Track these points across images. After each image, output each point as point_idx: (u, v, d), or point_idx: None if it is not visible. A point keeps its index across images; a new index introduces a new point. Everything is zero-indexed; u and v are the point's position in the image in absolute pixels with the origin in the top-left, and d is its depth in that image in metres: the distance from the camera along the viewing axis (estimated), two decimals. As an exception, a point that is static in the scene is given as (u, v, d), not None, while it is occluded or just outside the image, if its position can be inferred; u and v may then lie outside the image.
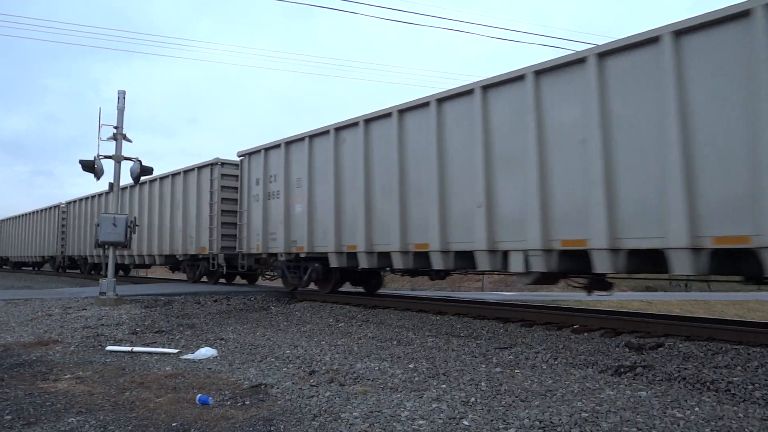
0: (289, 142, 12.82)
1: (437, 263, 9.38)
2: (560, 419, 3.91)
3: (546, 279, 8.44)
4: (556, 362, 6.06)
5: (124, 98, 11.84)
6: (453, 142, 9.24)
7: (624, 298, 21.28)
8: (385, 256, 10.58)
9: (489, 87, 8.70)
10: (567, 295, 24.22)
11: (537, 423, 3.86)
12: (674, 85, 6.64)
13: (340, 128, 11.52)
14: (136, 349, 7.06)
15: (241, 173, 14.58)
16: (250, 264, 14.53)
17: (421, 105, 9.75)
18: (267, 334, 8.32)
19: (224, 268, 15.58)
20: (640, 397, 4.51)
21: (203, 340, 7.86)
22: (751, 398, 4.51)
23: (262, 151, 13.66)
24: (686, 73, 6.61)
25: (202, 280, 17.22)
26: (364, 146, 10.90)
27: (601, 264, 7.24)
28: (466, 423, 3.93)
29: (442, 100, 9.43)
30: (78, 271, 27.37)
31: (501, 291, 23.83)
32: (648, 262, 7.23)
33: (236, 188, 15.10)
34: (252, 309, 11.44)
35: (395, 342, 7.51)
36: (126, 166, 11.94)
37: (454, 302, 11.13)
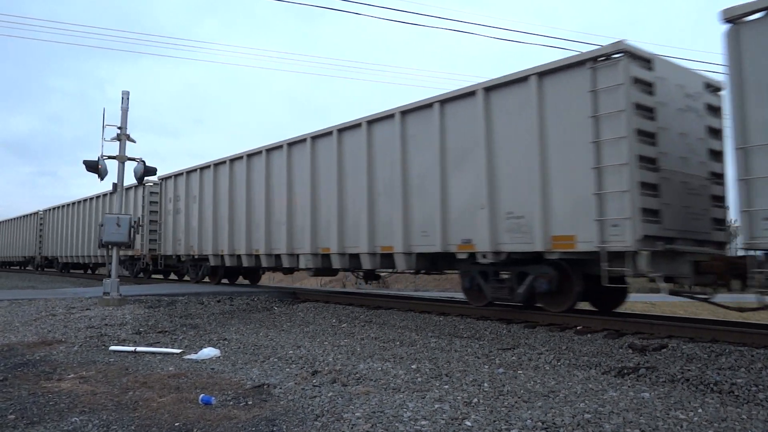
0: (189, 171, 17.19)
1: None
2: (563, 420, 3.91)
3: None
4: (559, 363, 6.05)
5: (128, 99, 11.87)
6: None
7: (628, 300, 21.19)
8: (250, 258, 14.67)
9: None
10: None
11: (539, 424, 3.86)
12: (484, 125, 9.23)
13: (218, 164, 16.00)
14: (139, 349, 7.07)
15: (160, 193, 18.97)
16: (168, 263, 18.84)
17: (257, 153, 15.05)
18: (270, 334, 8.33)
19: (151, 266, 19.86)
20: (643, 398, 4.50)
21: (206, 340, 7.87)
22: (754, 400, 4.49)
23: (173, 177, 18.08)
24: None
25: (139, 275, 21.79)
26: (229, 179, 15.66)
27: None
28: (468, 424, 3.92)
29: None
30: (53, 268, 31.51)
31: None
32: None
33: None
34: (255, 309, 11.46)
35: (398, 343, 7.50)
36: (130, 167, 11.99)
37: (457, 303, 11.12)
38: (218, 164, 16.03)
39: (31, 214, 33.56)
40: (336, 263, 12.07)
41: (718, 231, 8.36)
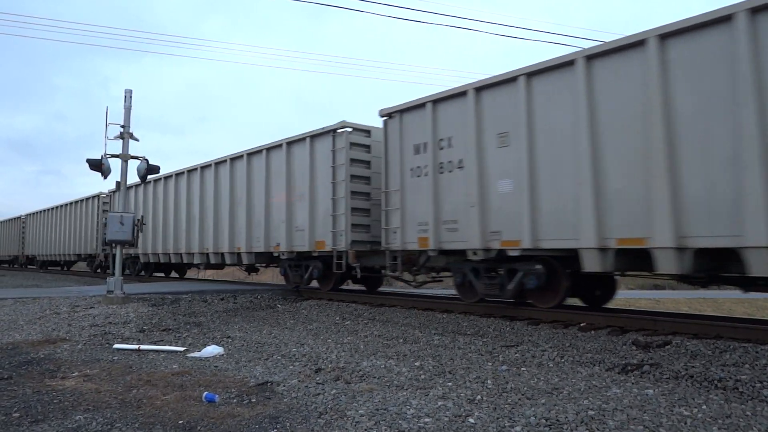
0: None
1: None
2: (566, 417, 3.90)
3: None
4: (562, 360, 6.04)
5: (131, 97, 11.88)
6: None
7: (631, 297, 21.21)
8: None
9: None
10: (574, 293, 24.12)
11: (543, 421, 3.85)
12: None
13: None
14: (143, 347, 7.09)
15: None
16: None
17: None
18: (273, 332, 8.34)
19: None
20: (647, 395, 4.49)
21: (210, 338, 7.88)
22: (759, 396, 4.48)
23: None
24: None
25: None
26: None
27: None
28: (472, 421, 3.92)
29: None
30: (35, 266, 34.85)
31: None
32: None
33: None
34: (258, 307, 11.47)
35: (401, 340, 7.51)
36: (133, 165, 12.01)
37: (460, 301, 11.10)
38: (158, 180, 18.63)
39: (13, 219, 38.45)
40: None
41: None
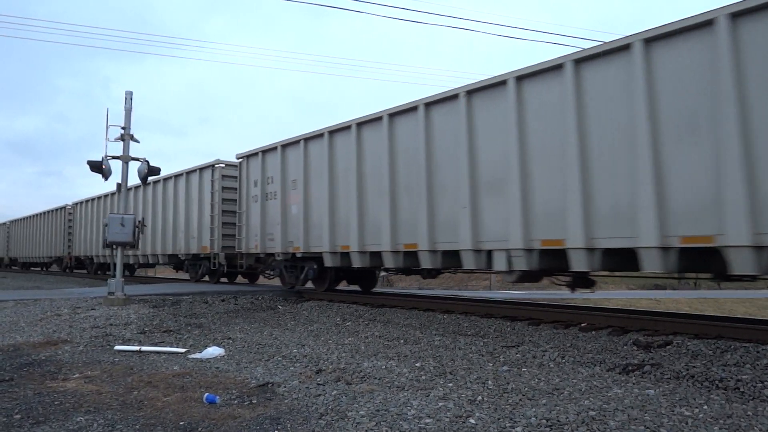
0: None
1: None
2: (567, 417, 3.90)
3: None
4: (563, 361, 6.04)
5: (132, 99, 11.88)
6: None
7: (632, 297, 21.20)
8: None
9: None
10: (575, 294, 24.12)
11: (544, 421, 3.85)
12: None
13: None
14: (144, 348, 7.09)
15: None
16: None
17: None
18: (274, 333, 8.34)
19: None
20: (647, 395, 4.49)
21: (211, 339, 7.88)
22: (760, 396, 4.47)
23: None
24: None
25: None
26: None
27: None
28: (472, 421, 3.92)
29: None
30: (16, 266, 39.28)
31: (509, 290, 23.78)
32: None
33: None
34: (259, 308, 11.48)
35: (402, 341, 7.51)
36: (134, 167, 12.02)
37: (461, 301, 11.12)
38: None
39: (1, 224, 42.91)
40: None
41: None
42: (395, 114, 10.46)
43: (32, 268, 36.63)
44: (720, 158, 6.41)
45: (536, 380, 5.10)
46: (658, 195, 6.87)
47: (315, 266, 12.87)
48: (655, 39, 7.01)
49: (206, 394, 4.75)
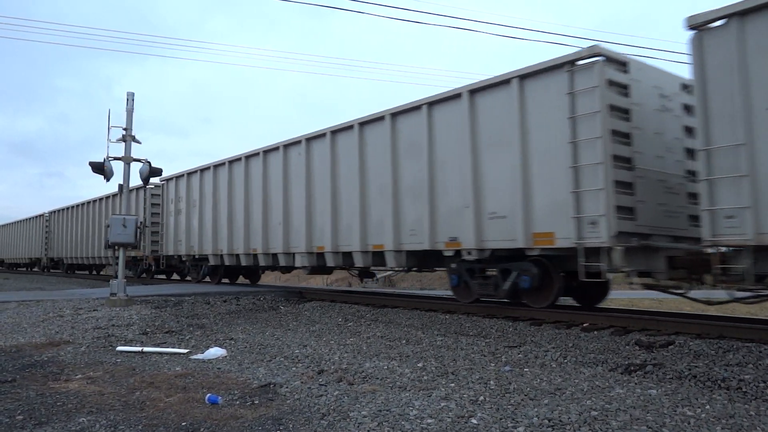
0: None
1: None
2: (569, 417, 3.90)
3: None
4: (565, 361, 6.03)
5: (133, 100, 11.90)
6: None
7: (634, 297, 21.15)
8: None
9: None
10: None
11: (546, 421, 3.85)
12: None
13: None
14: (146, 349, 7.10)
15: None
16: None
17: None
18: (276, 333, 8.34)
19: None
20: (650, 395, 4.49)
21: (213, 340, 7.89)
22: (762, 396, 4.47)
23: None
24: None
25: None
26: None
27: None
28: (474, 421, 3.92)
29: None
30: (3, 267, 43.85)
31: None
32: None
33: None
34: (261, 309, 11.48)
35: (404, 341, 7.50)
36: (135, 168, 12.03)
37: (473, 302, 11.08)
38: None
39: None
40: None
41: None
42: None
43: (18, 269, 40.78)
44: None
45: (538, 380, 5.10)
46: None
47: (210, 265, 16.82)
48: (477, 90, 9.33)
49: (208, 394, 4.76)
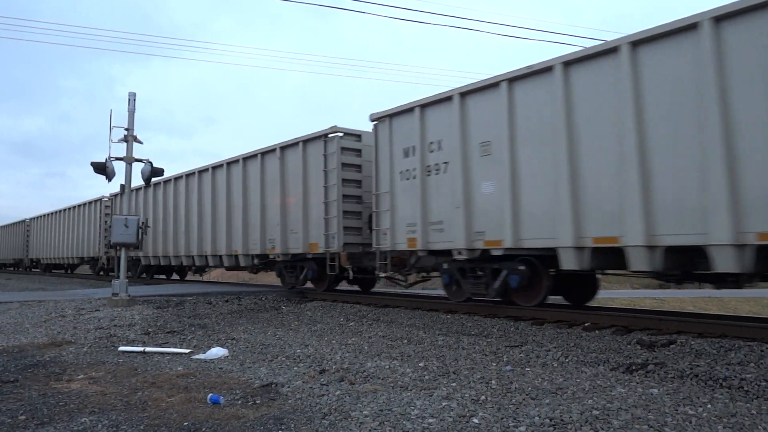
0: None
1: None
2: (571, 417, 3.90)
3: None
4: (567, 360, 6.03)
5: (135, 100, 11.91)
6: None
7: (636, 296, 21.16)
8: None
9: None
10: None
11: (547, 421, 3.85)
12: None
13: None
14: (148, 349, 7.11)
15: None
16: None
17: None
18: (278, 333, 8.35)
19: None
20: (651, 394, 4.48)
21: (215, 340, 7.90)
22: (764, 395, 4.47)
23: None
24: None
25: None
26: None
27: None
28: (476, 421, 3.92)
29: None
30: None
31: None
32: None
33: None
34: (263, 309, 11.49)
35: (406, 341, 7.51)
36: (137, 168, 12.04)
37: (465, 301, 11.09)
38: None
39: None
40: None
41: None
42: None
43: (6, 268, 43.98)
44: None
45: (540, 380, 5.10)
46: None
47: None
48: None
49: (210, 394, 4.77)
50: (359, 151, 12.57)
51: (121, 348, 7.24)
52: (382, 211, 11.12)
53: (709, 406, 4.15)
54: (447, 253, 10.00)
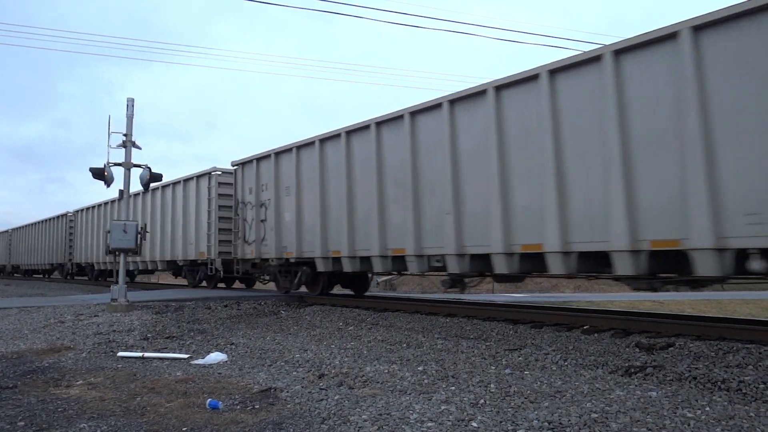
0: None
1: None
2: (569, 420, 3.91)
3: None
4: (565, 363, 6.04)
5: (133, 106, 11.93)
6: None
7: (635, 299, 21.17)
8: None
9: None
10: (577, 296, 24.10)
11: (546, 424, 3.86)
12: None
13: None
14: (147, 354, 7.11)
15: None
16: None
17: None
18: (277, 338, 8.35)
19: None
20: (650, 397, 4.49)
21: (214, 345, 7.90)
22: (762, 397, 4.47)
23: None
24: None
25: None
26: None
27: None
28: (475, 425, 3.93)
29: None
30: None
31: (511, 293, 23.76)
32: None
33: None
34: (262, 314, 11.49)
35: (404, 345, 7.51)
36: (136, 174, 12.05)
37: (463, 304, 11.12)
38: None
39: None
40: None
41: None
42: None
43: None
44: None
45: (538, 383, 5.11)
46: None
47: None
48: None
49: (209, 399, 4.76)
50: (232, 184, 15.88)
51: (120, 353, 7.23)
52: (234, 231, 15.42)
53: (707, 408, 4.15)
54: (269, 260, 14.12)
